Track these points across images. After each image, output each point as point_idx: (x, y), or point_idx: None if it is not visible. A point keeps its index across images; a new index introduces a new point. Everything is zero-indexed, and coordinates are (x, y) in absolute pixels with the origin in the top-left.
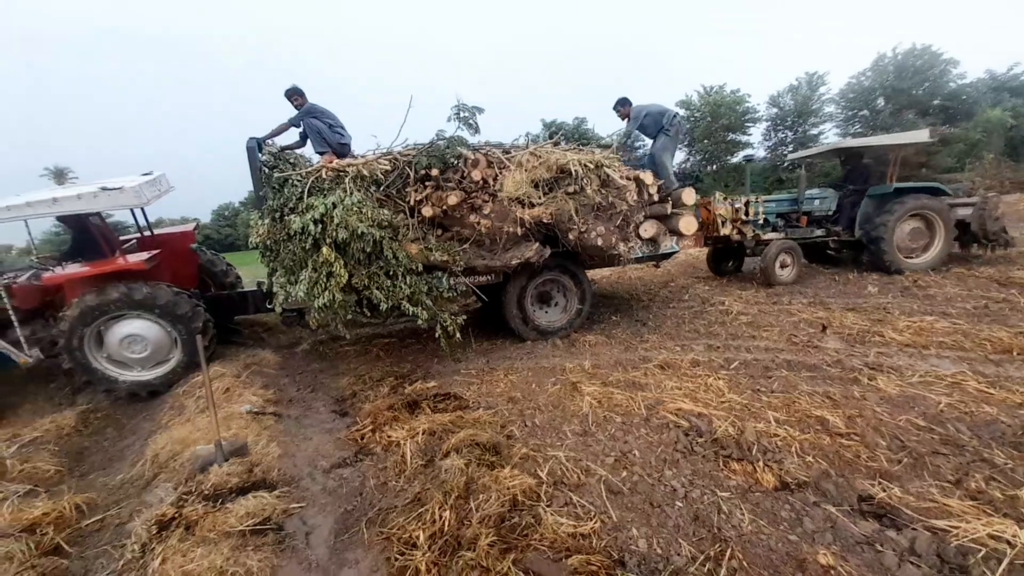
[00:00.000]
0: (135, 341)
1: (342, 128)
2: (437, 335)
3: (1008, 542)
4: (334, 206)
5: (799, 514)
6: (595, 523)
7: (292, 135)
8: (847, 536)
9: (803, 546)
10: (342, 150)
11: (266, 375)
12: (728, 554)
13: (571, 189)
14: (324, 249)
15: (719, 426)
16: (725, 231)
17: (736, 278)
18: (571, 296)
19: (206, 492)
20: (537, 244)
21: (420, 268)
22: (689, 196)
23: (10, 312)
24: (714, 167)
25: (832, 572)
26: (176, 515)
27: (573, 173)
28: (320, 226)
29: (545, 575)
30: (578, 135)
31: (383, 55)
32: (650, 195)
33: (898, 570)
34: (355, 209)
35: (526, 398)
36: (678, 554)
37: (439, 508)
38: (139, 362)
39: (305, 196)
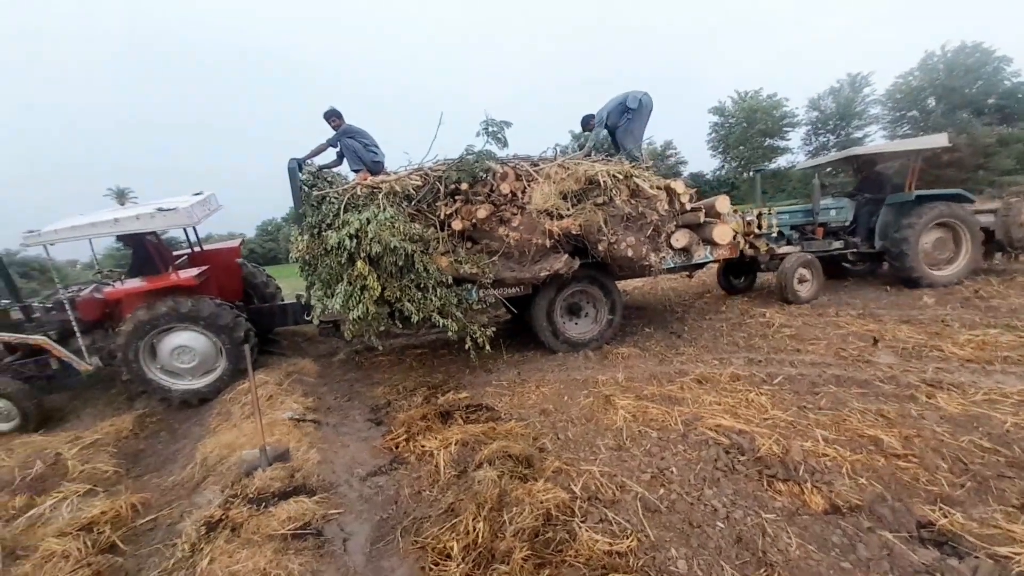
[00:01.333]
0: (184, 352)
1: (376, 147)
2: (467, 346)
3: None
4: (368, 221)
5: (852, 540)
6: (632, 541)
7: (330, 154)
8: (905, 565)
9: (857, 574)
10: (376, 167)
11: (306, 383)
12: None
13: (600, 200)
14: (359, 263)
15: (762, 444)
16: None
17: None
18: (601, 307)
19: (251, 496)
20: (566, 256)
21: (450, 281)
22: (723, 204)
23: (73, 323)
24: (750, 173)
25: None
26: (223, 517)
27: (602, 184)
28: (355, 241)
29: None
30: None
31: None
32: (681, 204)
33: None
34: (388, 224)
35: (558, 410)
36: None
37: (473, 519)
38: (189, 371)
39: (341, 212)
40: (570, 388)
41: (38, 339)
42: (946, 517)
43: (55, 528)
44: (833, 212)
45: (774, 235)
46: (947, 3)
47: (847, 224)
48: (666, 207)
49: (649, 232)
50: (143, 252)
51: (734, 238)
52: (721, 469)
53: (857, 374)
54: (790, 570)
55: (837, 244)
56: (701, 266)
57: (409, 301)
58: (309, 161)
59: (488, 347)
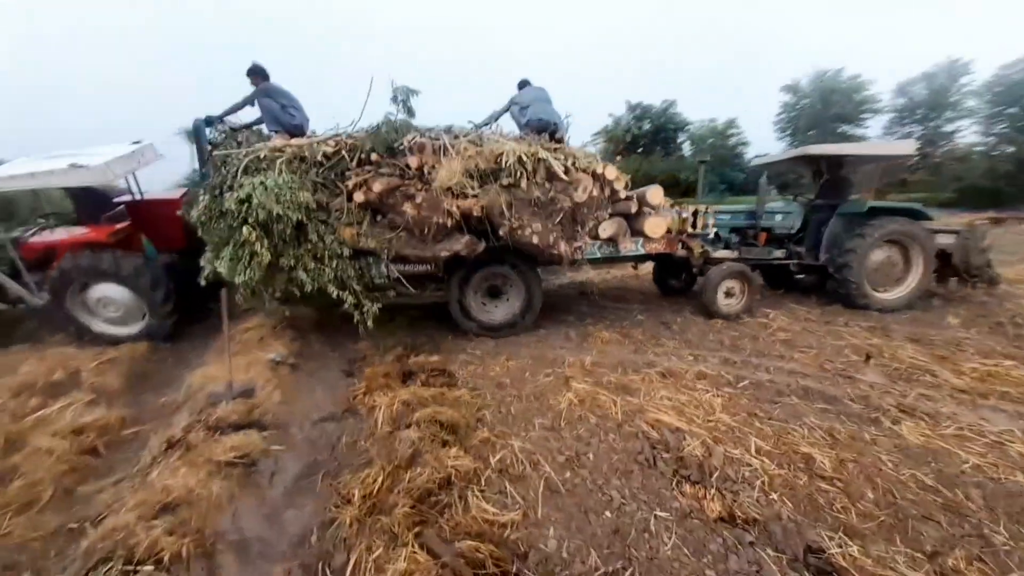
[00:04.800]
0: (108, 303)
1: (295, 108)
2: (356, 320)
3: None
4: (259, 186)
5: (728, 550)
6: (517, 515)
7: (256, 113)
8: None
9: None
10: (294, 130)
11: (298, 329)
12: (629, 573)
13: (506, 182)
14: (244, 228)
15: (690, 444)
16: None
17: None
18: (519, 286)
19: (210, 424)
20: (468, 237)
21: (348, 253)
22: (655, 195)
23: (18, 262)
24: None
25: None
26: (182, 438)
27: (503, 165)
28: (245, 205)
29: (435, 551)
30: (663, 119)
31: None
32: (614, 191)
33: None
34: (275, 191)
35: (513, 385)
36: (582, 562)
37: (378, 472)
38: (118, 320)
39: (239, 175)
40: (537, 365)
41: None
42: (841, 548)
43: (53, 429)
44: (779, 217)
45: (710, 236)
46: None
47: (794, 231)
48: (593, 193)
49: (559, 219)
50: (81, 199)
51: (668, 232)
52: (640, 463)
53: (830, 389)
54: (648, 568)
55: (778, 253)
56: (643, 258)
57: (303, 270)
58: (224, 120)
59: (370, 323)
